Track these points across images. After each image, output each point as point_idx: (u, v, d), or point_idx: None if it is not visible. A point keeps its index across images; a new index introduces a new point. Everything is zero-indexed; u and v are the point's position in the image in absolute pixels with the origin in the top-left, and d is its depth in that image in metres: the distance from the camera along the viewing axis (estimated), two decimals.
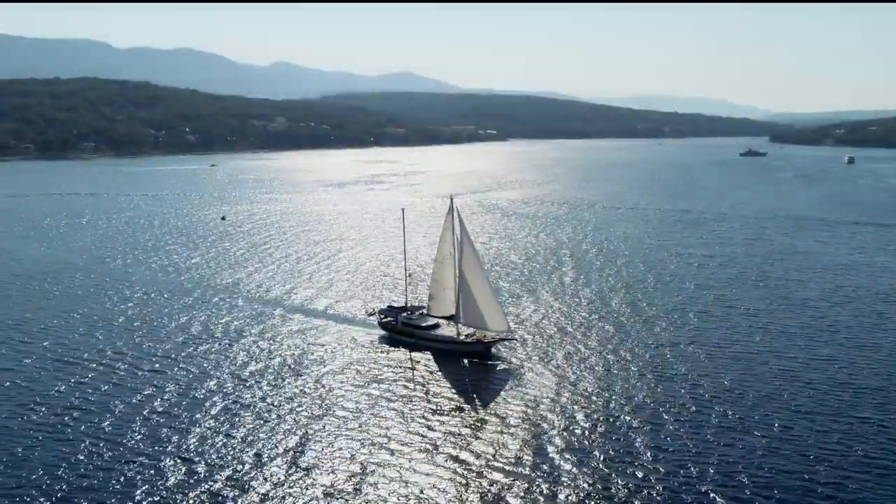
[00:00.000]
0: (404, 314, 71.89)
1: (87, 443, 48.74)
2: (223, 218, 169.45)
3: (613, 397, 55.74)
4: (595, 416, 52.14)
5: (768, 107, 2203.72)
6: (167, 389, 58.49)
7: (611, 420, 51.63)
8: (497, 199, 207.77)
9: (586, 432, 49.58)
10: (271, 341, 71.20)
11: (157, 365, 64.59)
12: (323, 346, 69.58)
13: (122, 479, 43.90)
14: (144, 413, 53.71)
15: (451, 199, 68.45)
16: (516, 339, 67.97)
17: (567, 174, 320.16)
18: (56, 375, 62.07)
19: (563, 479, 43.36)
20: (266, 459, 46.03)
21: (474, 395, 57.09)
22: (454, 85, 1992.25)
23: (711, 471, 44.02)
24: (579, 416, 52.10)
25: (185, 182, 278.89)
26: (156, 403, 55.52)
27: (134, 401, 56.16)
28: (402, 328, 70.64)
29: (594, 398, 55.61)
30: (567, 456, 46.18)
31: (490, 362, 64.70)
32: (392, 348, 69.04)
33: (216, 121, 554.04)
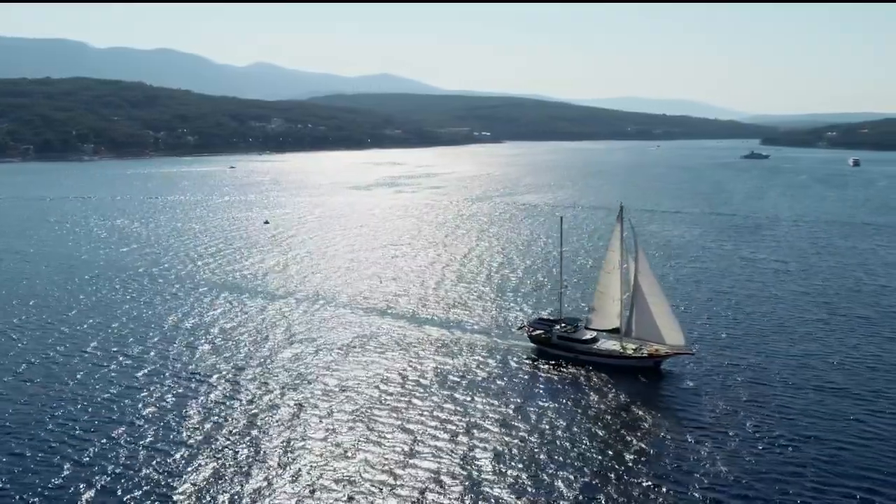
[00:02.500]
0: (558, 327, 69.34)
1: (216, 466, 47.01)
2: (266, 222, 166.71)
3: (793, 425, 53.08)
4: (774, 445, 49.89)
5: (744, 109, 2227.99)
6: (287, 406, 55.99)
7: (791, 448, 49.23)
8: (534, 202, 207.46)
9: (766, 464, 47.51)
10: (408, 356, 68.20)
11: (273, 380, 62.05)
12: (469, 361, 66.91)
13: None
14: (280, 431, 52.00)
15: (621, 208, 66.42)
16: (692, 354, 65.04)
17: (583, 177, 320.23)
18: (162, 391, 59.64)
19: None
20: (419, 483, 44.61)
21: (647, 416, 55.13)
22: (435, 86, 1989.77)
23: None
24: (763, 446, 49.79)
25: (205, 184, 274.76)
26: (283, 420, 53.74)
27: (272, 420, 53.91)
28: (557, 342, 68.08)
29: (775, 423, 53.08)
30: (743, 485, 44.43)
31: (661, 379, 62.82)
32: (547, 363, 66.58)
33: (215, 122, 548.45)
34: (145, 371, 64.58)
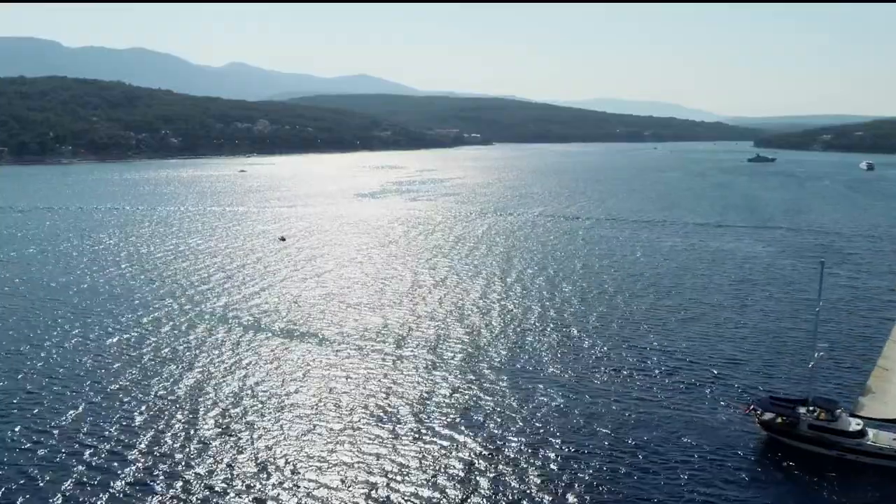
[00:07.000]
0: (804, 410, 51.17)
1: None
2: (282, 238, 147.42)
3: None
4: None
5: (721, 111, 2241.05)
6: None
7: None
8: (573, 214, 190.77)
9: None
10: (563, 438, 50.96)
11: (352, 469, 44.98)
12: (664, 451, 49.37)
13: None
14: None
15: None
16: None
17: (600, 184, 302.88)
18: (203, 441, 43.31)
19: None
20: None
21: None
22: (413, 87, 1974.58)
23: None
24: None
25: (207, 188, 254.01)
26: None
27: None
28: (808, 432, 50.25)
29: None
30: None
31: None
32: (788, 461, 48.60)
33: (200, 123, 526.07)
34: (156, 443, 46.48)
